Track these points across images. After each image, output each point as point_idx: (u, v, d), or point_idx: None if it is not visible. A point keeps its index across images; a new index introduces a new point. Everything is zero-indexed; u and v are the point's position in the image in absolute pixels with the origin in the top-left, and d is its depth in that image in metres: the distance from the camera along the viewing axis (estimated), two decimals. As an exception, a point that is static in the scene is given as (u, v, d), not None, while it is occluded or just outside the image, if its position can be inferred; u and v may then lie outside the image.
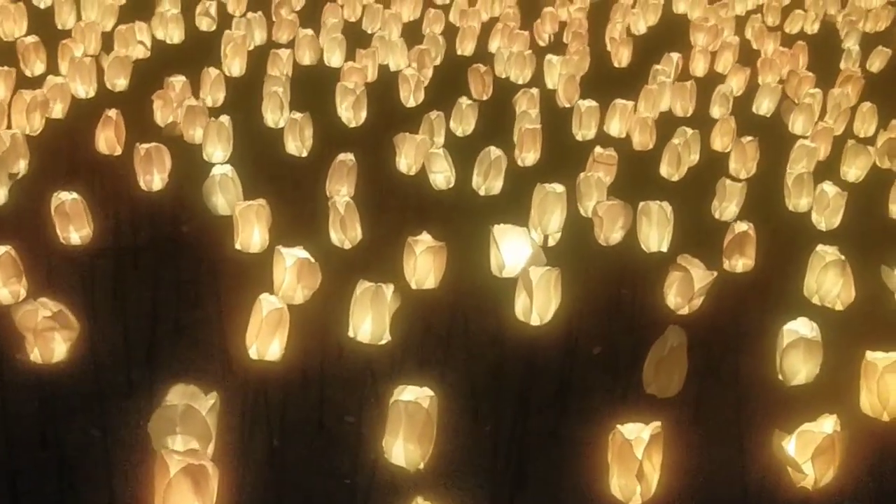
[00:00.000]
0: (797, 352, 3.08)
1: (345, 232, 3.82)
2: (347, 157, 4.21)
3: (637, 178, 4.92)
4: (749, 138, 4.87)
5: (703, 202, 4.60)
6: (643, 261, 4.00)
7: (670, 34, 7.57)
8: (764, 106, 5.88)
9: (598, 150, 4.67)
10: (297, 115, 4.58)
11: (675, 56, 6.32)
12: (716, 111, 5.85)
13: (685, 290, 3.42)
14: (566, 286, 3.83)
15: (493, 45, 6.55)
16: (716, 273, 3.44)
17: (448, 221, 4.39)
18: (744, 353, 4.19)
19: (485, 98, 5.68)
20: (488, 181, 4.28)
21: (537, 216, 3.89)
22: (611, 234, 4.02)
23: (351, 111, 4.90)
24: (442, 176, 4.48)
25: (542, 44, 6.97)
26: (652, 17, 7.82)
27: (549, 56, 6.11)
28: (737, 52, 6.87)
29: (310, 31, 5.87)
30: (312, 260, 3.29)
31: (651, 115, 5.40)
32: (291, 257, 3.28)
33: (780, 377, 3.11)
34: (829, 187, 4.36)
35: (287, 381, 3.50)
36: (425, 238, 3.57)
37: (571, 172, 4.40)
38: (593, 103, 5.17)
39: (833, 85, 6.30)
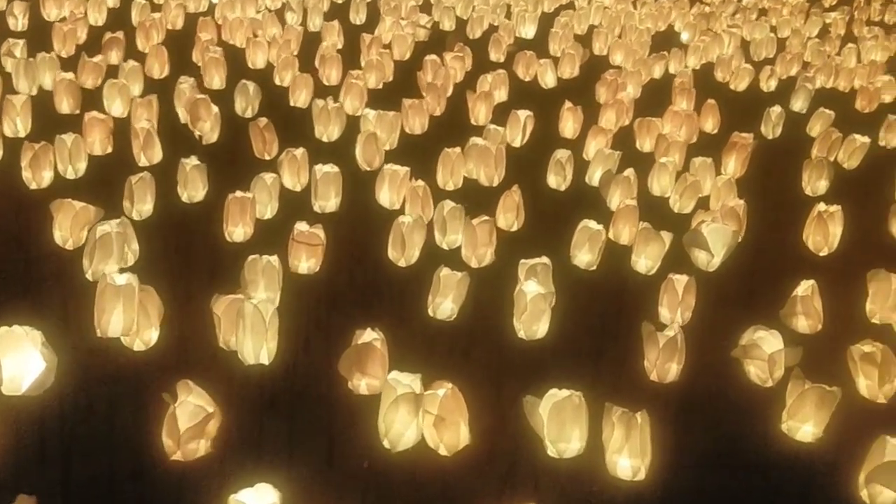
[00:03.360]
0: (237, 533, 2.23)
1: None
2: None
3: (362, 263, 4.10)
4: (483, 218, 3.98)
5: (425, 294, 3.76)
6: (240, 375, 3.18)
7: (577, 88, 6.68)
8: (596, 176, 4.96)
9: (297, 227, 3.87)
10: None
11: (524, 115, 5.45)
12: (552, 181, 4.99)
13: (172, 429, 2.59)
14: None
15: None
16: (212, 410, 2.60)
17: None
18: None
19: (267, 157, 4.91)
20: (95, 264, 3.47)
21: (97, 315, 3.10)
22: (230, 336, 3.23)
23: (29, 170, 4.18)
24: (117, 252, 3.75)
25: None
26: (567, 69, 6.95)
27: (366, 110, 5.31)
28: (627, 111, 5.98)
29: (70, 75, 5.19)
30: None
31: (433, 182, 4.57)
32: None
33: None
34: (529, 287, 3.46)
35: None
36: None
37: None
38: (333, 169, 4.34)
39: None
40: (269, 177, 4.30)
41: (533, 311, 3.43)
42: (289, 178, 4.55)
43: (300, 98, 5.70)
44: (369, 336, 3.10)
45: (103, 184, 4.44)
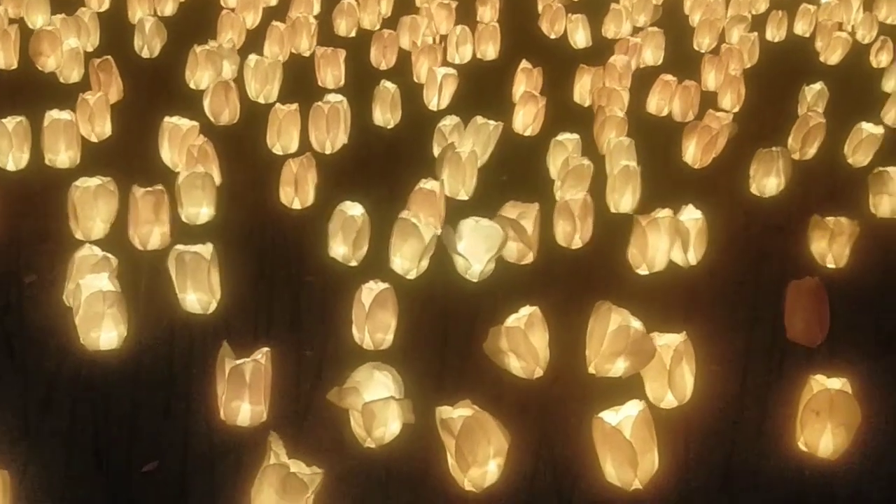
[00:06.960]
0: None
1: None
2: None
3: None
4: (149, 188, 3.13)
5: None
6: None
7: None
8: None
9: None
10: None
11: (441, 73, 4.52)
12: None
13: None
14: None
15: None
16: None
17: None
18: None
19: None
20: None
21: None
22: None
23: None
24: None
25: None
26: (612, 29, 5.88)
27: (250, 56, 4.54)
28: (621, 78, 4.92)
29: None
30: None
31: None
32: None
33: None
34: (88, 281, 2.64)
35: None
36: None
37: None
38: (64, 116, 3.62)
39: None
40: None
41: (87, 313, 2.62)
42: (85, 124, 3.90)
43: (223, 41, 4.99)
44: None
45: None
